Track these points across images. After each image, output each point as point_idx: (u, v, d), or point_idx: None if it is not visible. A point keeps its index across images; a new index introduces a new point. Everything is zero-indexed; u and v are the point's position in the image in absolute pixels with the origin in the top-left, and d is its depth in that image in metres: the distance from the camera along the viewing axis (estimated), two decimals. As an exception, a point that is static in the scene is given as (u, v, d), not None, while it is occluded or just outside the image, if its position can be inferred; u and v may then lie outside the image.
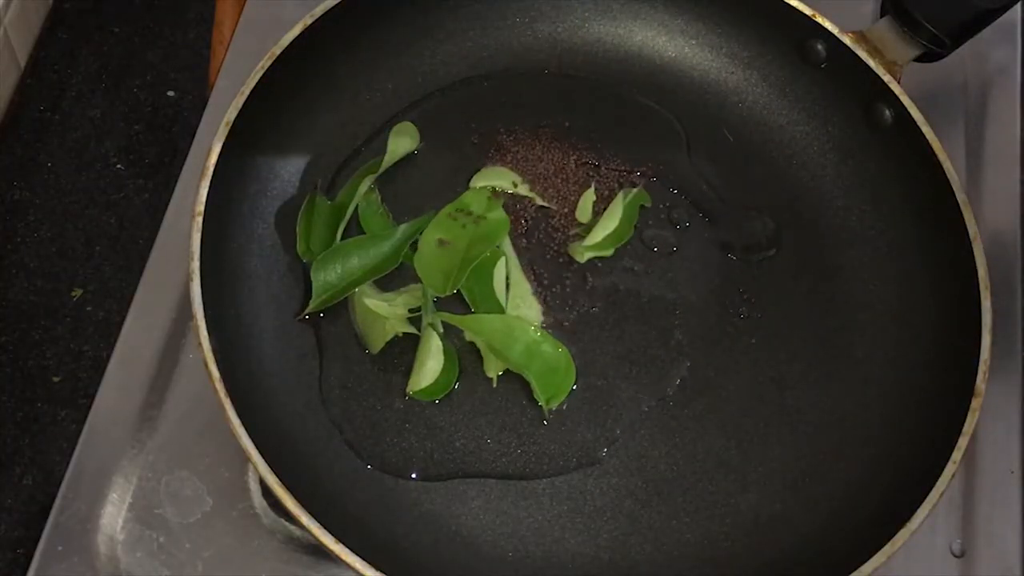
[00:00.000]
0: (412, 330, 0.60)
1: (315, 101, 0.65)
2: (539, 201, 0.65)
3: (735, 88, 0.70)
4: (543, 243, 0.64)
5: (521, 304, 0.62)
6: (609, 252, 0.64)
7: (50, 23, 0.94)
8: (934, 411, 0.58)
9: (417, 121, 0.67)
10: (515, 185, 0.65)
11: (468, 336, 0.61)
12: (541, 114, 0.68)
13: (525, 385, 0.59)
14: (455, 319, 0.60)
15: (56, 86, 0.91)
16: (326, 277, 0.60)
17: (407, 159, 0.66)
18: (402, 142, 0.65)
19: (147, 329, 0.63)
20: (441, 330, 0.60)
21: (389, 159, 0.65)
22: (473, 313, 0.61)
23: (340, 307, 0.61)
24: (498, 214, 0.63)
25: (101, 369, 0.62)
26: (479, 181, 0.65)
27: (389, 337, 0.59)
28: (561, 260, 0.64)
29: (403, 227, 0.62)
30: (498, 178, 0.65)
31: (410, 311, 0.60)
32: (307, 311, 0.60)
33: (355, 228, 0.63)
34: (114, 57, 0.93)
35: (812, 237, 0.66)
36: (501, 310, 0.61)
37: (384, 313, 0.59)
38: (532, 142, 0.67)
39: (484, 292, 0.61)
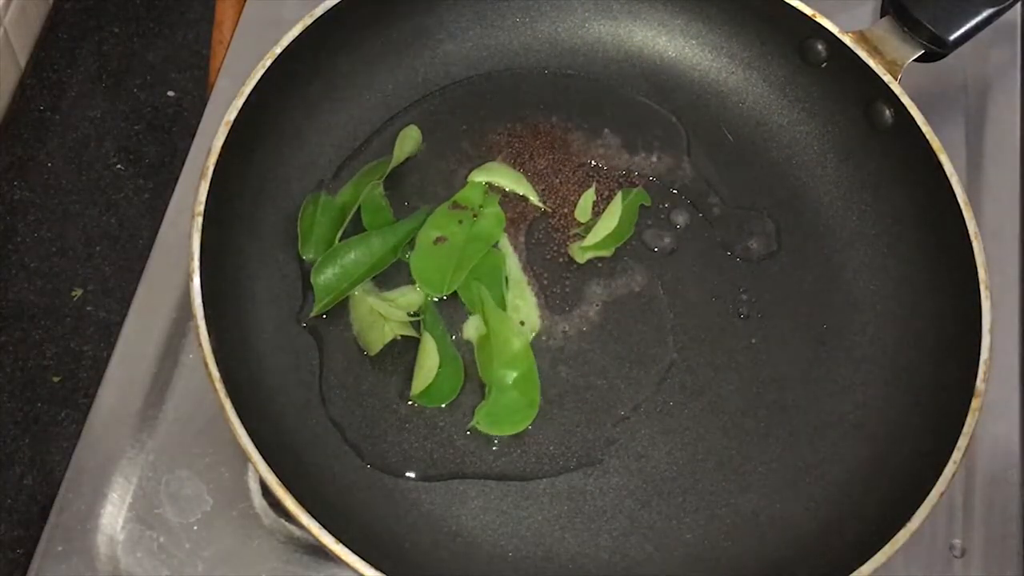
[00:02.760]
0: (412, 333, 0.60)
1: (315, 101, 0.65)
2: (535, 200, 0.65)
3: (735, 88, 0.70)
4: (543, 243, 0.64)
5: (520, 305, 0.62)
6: (609, 252, 0.64)
7: (50, 23, 0.94)
8: (934, 411, 0.58)
9: (417, 120, 0.67)
10: (514, 183, 0.65)
11: (467, 334, 0.61)
12: (541, 114, 0.68)
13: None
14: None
15: (56, 86, 0.91)
16: (327, 279, 0.60)
17: (407, 158, 0.66)
18: (407, 145, 0.65)
19: (147, 329, 0.63)
20: (440, 331, 0.60)
21: (395, 163, 0.64)
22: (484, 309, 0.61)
23: (340, 308, 0.61)
24: (494, 209, 0.63)
25: (101, 369, 0.62)
26: (477, 176, 0.65)
27: (388, 339, 0.59)
28: (561, 260, 0.64)
29: (402, 223, 0.62)
30: (497, 174, 0.65)
31: (411, 315, 0.60)
32: (312, 314, 0.60)
33: (352, 228, 0.63)
34: (114, 57, 0.93)
35: (812, 237, 0.66)
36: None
37: (384, 313, 0.59)
38: (532, 142, 0.67)
39: (495, 296, 0.61)
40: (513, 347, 0.59)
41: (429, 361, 0.59)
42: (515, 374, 0.59)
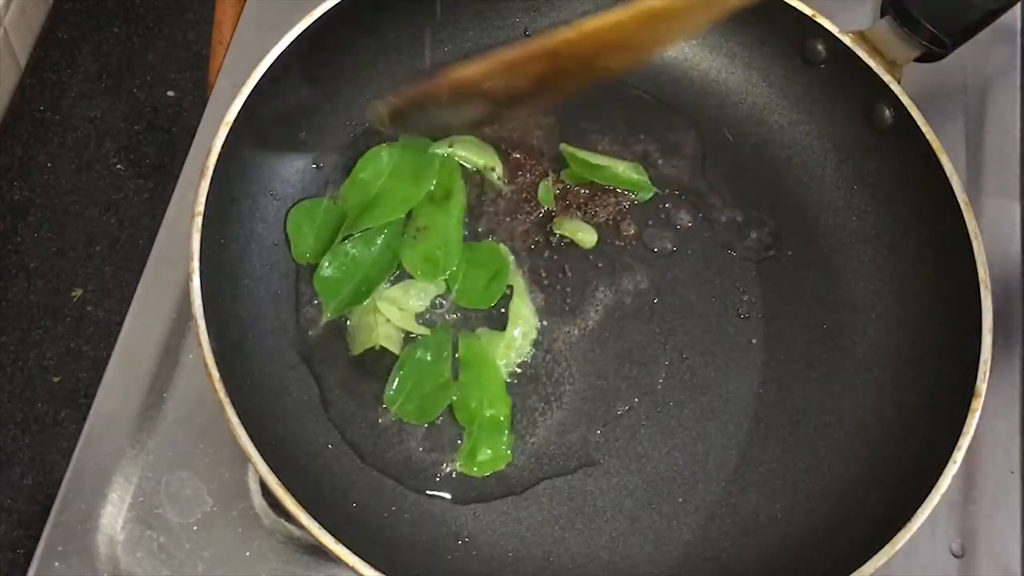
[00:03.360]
0: (395, 349, 0.59)
1: (315, 101, 0.65)
2: (496, 178, 0.65)
3: (735, 88, 0.70)
4: (543, 244, 0.64)
5: (520, 305, 0.62)
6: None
7: (50, 23, 0.94)
8: (934, 411, 0.58)
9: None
10: (479, 156, 0.65)
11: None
12: (539, 113, 0.68)
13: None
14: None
15: (56, 86, 0.91)
16: (328, 279, 0.60)
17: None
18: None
19: (147, 329, 0.63)
20: (440, 344, 0.60)
21: None
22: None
23: (340, 307, 0.61)
24: (457, 183, 0.64)
25: (101, 369, 0.62)
26: (439, 148, 0.65)
27: (369, 345, 0.59)
28: (562, 261, 0.64)
29: (397, 224, 0.63)
30: (463, 147, 0.65)
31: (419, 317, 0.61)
32: (324, 319, 0.60)
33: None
34: (114, 57, 0.93)
35: (812, 237, 0.66)
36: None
37: (386, 313, 0.59)
38: (530, 142, 0.67)
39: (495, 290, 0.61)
40: (484, 379, 0.59)
41: (401, 380, 0.59)
42: (485, 403, 0.58)
